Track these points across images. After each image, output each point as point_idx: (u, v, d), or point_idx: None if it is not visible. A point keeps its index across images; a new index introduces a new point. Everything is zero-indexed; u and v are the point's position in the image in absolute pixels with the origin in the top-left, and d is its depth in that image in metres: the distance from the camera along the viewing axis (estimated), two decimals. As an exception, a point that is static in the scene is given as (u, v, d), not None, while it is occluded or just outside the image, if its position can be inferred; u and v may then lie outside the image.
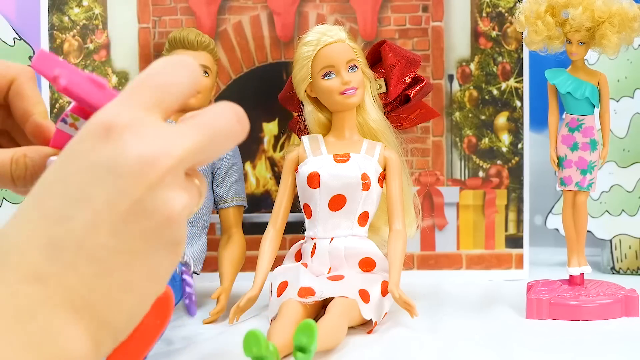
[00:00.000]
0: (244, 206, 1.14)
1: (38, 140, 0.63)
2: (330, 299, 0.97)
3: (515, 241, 1.27)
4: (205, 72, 1.13)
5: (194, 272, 1.08)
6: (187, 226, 1.06)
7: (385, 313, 1.02)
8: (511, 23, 1.24)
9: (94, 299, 0.39)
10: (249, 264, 1.12)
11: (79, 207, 0.38)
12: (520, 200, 1.27)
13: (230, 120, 0.42)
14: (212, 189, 1.12)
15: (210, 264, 1.17)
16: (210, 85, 1.14)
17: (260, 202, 1.25)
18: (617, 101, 1.30)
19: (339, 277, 1.00)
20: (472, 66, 1.26)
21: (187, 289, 0.56)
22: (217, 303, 1.05)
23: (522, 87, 1.26)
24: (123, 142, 0.38)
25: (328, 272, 1.04)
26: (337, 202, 1.05)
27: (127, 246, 0.39)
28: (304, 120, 1.11)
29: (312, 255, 1.05)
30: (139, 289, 0.41)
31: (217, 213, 1.14)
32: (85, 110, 0.52)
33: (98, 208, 0.38)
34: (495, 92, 1.26)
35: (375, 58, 1.12)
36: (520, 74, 1.26)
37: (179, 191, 0.39)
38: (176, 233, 0.40)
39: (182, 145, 0.39)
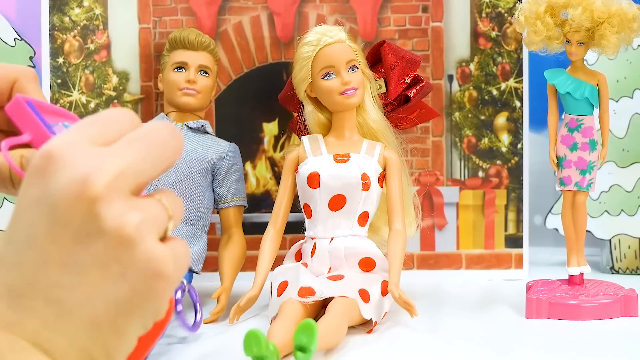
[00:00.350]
0: (244, 206, 1.14)
1: None
2: (330, 298, 0.97)
3: (514, 241, 1.27)
4: (206, 73, 1.13)
5: (194, 272, 1.08)
6: (188, 226, 1.07)
7: (385, 313, 1.02)
8: (511, 23, 1.24)
9: (61, 340, 0.38)
10: (249, 264, 1.12)
11: (27, 249, 0.38)
12: (519, 200, 1.27)
13: (162, 133, 0.41)
14: (213, 188, 1.12)
15: (211, 264, 1.17)
16: (211, 85, 1.14)
17: (261, 202, 1.25)
18: (617, 101, 1.30)
19: (339, 277, 1.00)
20: (472, 66, 1.26)
21: (178, 307, 0.55)
22: (217, 303, 1.04)
23: (522, 87, 1.26)
24: (54, 171, 0.37)
25: (328, 272, 1.04)
26: (337, 202, 1.05)
27: (83, 279, 0.37)
28: (304, 121, 1.12)
29: (312, 255, 1.05)
30: (112, 325, 0.39)
31: (217, 213, 1.14)
32: None
33: (43, 246, 0.37)
34: (494, 92, 1.26)
35: (375, 58, 1.12)
36: (519, 74, 1.26)
37: (126, 208, 0.38)
38: (141, 255, 0.38)
39: (114, 162, 0.38)
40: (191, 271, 1.07)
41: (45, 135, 0.45)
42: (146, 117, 1.22)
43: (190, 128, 1.12)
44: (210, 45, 1.14)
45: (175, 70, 1.12)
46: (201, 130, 1.13)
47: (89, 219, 0.37)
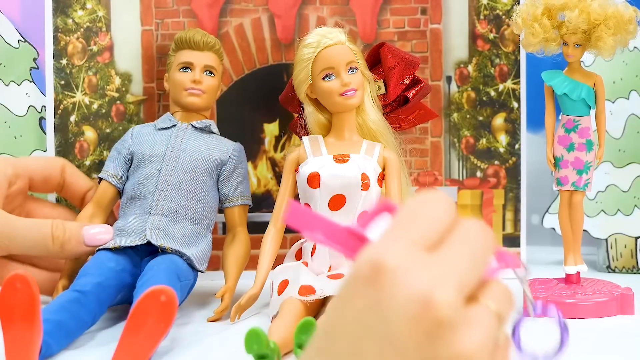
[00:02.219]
0: (249, 205, 1.14)
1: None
2: (330, 297, 0.97)
3: (512, 240, 1.28)
4: (211, 73, 1.14)
5: (199, 271, 1.08)
6: (193, 225, 1.07)
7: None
8: (508, 25, 1.25)
9: None
10: (251, 263, 1.12)
11: None
12: (517, 199, 1.27)
13: (477, 231, 0.39)
14: (218, 188, 1.12)
15: (214, 262, 1.18)
16: (216, 85, 1.15)
17: (262, 201, 1.25)
18: (613, 102, 1.30)
19: (339, 276, 1.01)
20: (470, 68, 1.26)
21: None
22: (221, 302, 1.05)
23: (519, 88, 1.26)
24: (388, 285, 0.34)
25: (328, 271, 1.04)
26: (337, 202, 1.06)
27: None
28: (305, 121, 1.12)
29: (312, 254, 1.06)
30: None
31: (221, 212, 1.14)
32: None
33: None
34: (492, 93, 1.27)
35: (375, 60, 1.13)
36: (517, 75, 1.26)
37: (465, 329, 0.34)
38: None
39: (452, 276, 0.35)
40: (195, 270, 1.07)
41: (337, 229, 0.43)
42: (148, 118, 1.23)
43: (195, 128, 1.13)
44: (215, 46, 1.14)
45: (181, 70, 1.13)
46: (206, 130, 1.13)
47: (426, 343, 0.34)
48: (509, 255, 0.43)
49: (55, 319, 0.89)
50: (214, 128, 1.14)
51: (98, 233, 1.05)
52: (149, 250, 1.06)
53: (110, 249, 1.03)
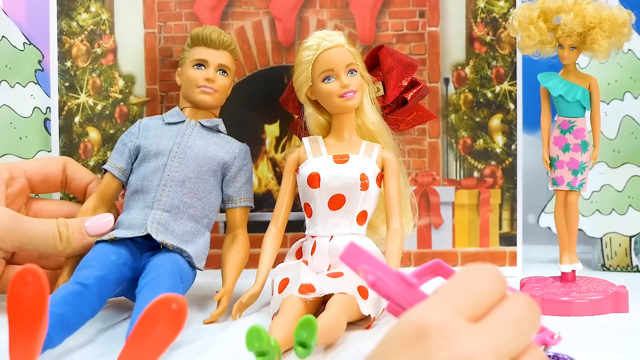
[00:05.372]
0: (251, 207, 1.14)
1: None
2: (330, 295, 0.97)
3: (508, 239, 1.29)
4: (224, 72, 1.13)
5: (197, 269, 1.08)
6: (192, 223, 1.08)
7: (384, 309, 1.03)
8: (505, 28, 1.26)
9: None
10: (251, 262, 1.13)
11: None
12: (513, 199, 1.28)
13: (522, 305, 0.40)
14: (221, 188, 1.12)
15: (217, 262, 1.18)
16: (228, 84, 1.14)
17: (262, 201, 1.26)
18: (608, 104, 1.31)
19: (339, 274, 1.01)
20: (467, 70, 1.27)
21: None
22: (218, 305, 1.04)
23: (516, 90, 1.27)
24: (432, 348, 0.35)
25: (328, 269, 1.05)
26: (336, 202, 1.06)
27: None
28: (305, 122, 1.13)
29: (312, 253, 1.06)
30: None
31: (223, 212, 1.15)
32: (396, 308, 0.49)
33: None
34: (489, 95, 1.27)
35: (374, 62, 1.13)
36: (513, 77, 1.27)
37: None
38: None
39: (492, 346, 0.36)
40: (194, 268, 1.07)
41: (390, 272, 0.43)
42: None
43: (203, 126, 1.12)
44: (231, 45, 1.14)
45: (195, 67, 1.12)
46: (214, 129, 1.13)
47: None
48: (551, 333, 0.45)
49: (59, 312, 0.88)
50: (222, 127, 1.14)
51: (98, 221, 1.05)
52: (150, 245, 1.06)
53: (110, 242, 1.03)
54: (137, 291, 0.97)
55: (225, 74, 1.13)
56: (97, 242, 1.04)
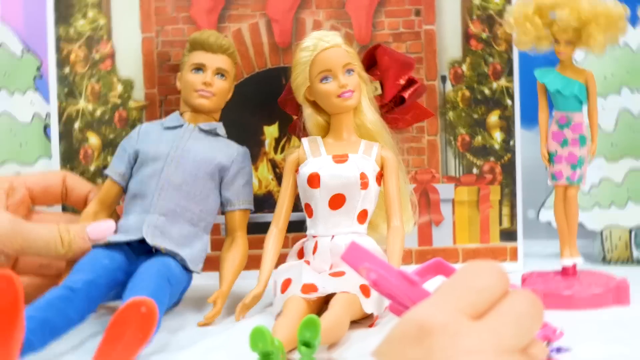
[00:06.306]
0: (250, 210, 1.14)
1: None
2: (333, 294, 0.98)
3: (509, 235, 1.29)
4: (223, 75, 1.14)
5: (194, 272, 1.08)
6: (190, 227, 1.08)
7: (386, 307, 1.02)
8: (501, 25, 1.25)
9: None
10: (253, 263, 1.13)
11: None
12: (513, 195, 1.28)
13: (524, 302, 0.40)
14: (220, 191, 1.12)
15: (216, 264, 1.18)
16: (227, 88, 1.15)
17: (263, 202, 1.26)
18: (605, 98, 1.31)
19: (340, 274, 1.01)
20: (464, 67, 1.27)
21: None
22: (213, 306, 1.04)
23: (513, 86, 1.27)
24: (436, 347, 0.36)
25: (330, 269, 1.05)
26: (336, 201, 1.07)
27: None
28: (304, 123, 1.13)
29: (314, 253, 1.07)
30: None
31: (222, 214, 1.14)
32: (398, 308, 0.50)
33: None
34: (486, 91, 1.28)
35: (371, 61, 1.14)
36: (510, 73, 1.27)
37: None
38: None
39: (495, 342, 0.37)
40: (189, 271, 1.07)
41: (391, 271, 0.44)
42: (150, 123, 1.23)
43: (201, 130, 1.13)
44: (229, 49, 1.14)
45: (193, 71, 1.13)
46: (212, 133, 1.13)
47: None
48: (553, 329, 0.45)
49: (41, 316, 0.87)
50: (221, 131, 1.14)
51: (100, 227, 1.06)
52: (145, 249, 1.06)
53: (105, 246, 1.03)
54: (123, 295, 0.97)
55: (224, 78, 1.14)
56: (93, 247, 1.04)
